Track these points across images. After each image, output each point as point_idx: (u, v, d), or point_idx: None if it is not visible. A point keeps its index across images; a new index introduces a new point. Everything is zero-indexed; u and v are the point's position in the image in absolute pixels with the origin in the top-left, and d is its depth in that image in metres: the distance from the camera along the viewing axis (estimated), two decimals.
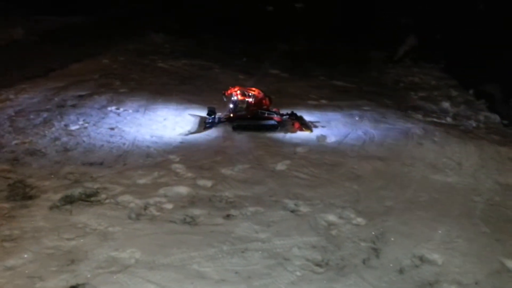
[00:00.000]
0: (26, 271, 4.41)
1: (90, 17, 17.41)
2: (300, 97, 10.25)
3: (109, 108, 8.96)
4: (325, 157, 7.22)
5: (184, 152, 7.28)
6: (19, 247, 4.75)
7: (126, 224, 5.25)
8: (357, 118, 8.92)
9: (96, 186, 6.03)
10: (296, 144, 7.67)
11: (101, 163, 6.71)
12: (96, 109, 8.87)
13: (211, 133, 7.91)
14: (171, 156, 7.07)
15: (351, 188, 6.33)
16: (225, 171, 6.67)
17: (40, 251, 4.72)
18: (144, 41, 15.04)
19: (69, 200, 5.65)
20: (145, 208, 5.61)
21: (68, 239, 4.91)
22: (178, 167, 6.70)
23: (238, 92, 8.64)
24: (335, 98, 10.25)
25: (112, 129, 8.00)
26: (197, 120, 8.54)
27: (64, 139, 7.45)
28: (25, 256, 4.61)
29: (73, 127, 7.93)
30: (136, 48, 14.24)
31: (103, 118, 8.46)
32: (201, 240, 5.07)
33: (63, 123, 8.07)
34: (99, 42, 14.19)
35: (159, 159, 6.95)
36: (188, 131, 8.01)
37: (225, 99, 8.67)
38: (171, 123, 8.32)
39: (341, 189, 6.28)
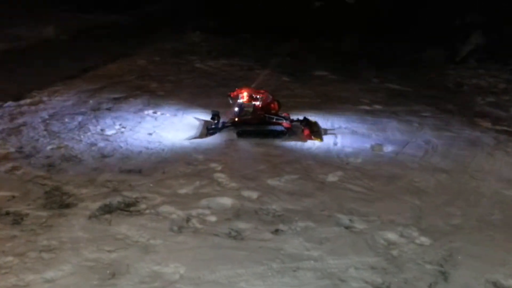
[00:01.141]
0: (66, 284, 4.58)
1: (125, 15, 18.01)
2: (350, 102, 10.21)
3: (145, 112, 9.19)
4: (381, 168, 7.15)
5: (226, 160, 7.40)
6: (58, 258, 4.93)
7: (168, 237, 5.37)
8: (416, 125, 8.82)
9: (135, 195, 6.20)
10: (348, 154, 7.66)
11: (140, 171, 6.89)
12: (132, 113, 9.13)
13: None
14: (213, 165, 7.19)
15: (413, 203, 6.23)
16: (272, 181, 6.71)
17: (79, 263, 4.89)
18: (181, 40, 15.40)
19: (107, 210, 5.83)
20: (188, 220, 5.72)
21: (108, 251, 5.06)
22: (221, 177, 6.80)
23: (245, 94, 8.61)
24: (390, 103, 10.16)
25: (150, 134, 8.21)
26: (201, 124, 8.63)
27: (101, 144, 7.70)
28: (65, 268, 4.79)
29: (110, 132, 8.19)
30: (173, 47, 14.61)
31: (140, 122, 8.68)
32: (248, 256, 5.11)
33: (99, 127, 8.34)
34: (135, 41, 14.68)
35: (200, 168, 7.08)
36: (191, 136, 8.07)
37: (231, 102, 8.68)
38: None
39: (401, 205, 6.18)
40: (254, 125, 8.49)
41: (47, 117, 8.68)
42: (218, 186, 6.54)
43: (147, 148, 7.71)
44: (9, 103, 9.28)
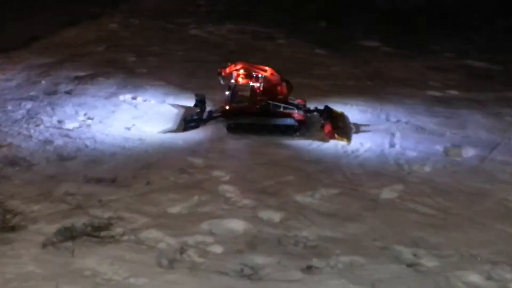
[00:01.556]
0: None
1: None
2: (413, 85, 10.18)
3: (121, 97, 9.23)
4: (460, 181, 7.11)
5: (236, 166, 7.43)
6: None
7: (155, 275, 5.37)
8: (509, 120, 8.78)
9: (107, 214, 6.26)
10: (410, 160, 7.64)
11: (114, 180, 6.94)
12: (103, 99, 9.14)
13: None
14: (217, 173, 7.22)
15: (504, 231, 6.20)
16: (301, 197, 6.72)
17: None
18: None
19: (69, 235, 5.87)
20: (182, 251, 5.74)
21: None
22: (229, 190, 6.83)
23: (241, 71, 8.59)
24: (471, 88, 10.09)
25: (127, 128, 8.26)
26: (181, 113, 8.75)
27: (59, 142, 7.72)
28: None
29: (71, 125, 8.21)
30: (158, 6, 14.72)
31: (113, 112, 8.72)
32: None
33: (55, 118, 8.37)
34: None
35: (199, 177, 7.11)
36: (164, 129, 8.23)
37: (222, 82, 8.69)
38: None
39: (489, 233, 6.13)
40: (253, 116, 8.53)
41: None
42: (225, 203, 6.54)
43: (124, 148, 7.71)
44: None
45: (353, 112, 9.18)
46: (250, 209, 6.37)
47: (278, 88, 8.70)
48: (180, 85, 10.05)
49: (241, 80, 8.61)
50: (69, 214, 6.16)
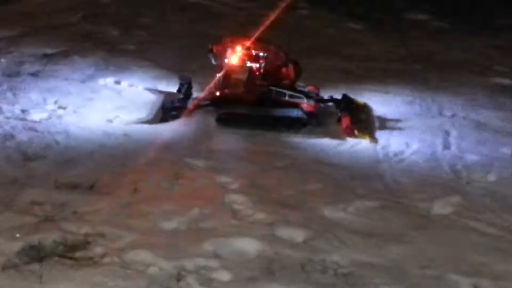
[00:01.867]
0: None
1: None
2: (474, 70, 10.19)
3: (101, 81, 9.31)
4: None
5: (246, 170, 7.47)
6: None
7: None
8: None
9: (84, 229, 6.23)
10: (470, 166, 7.66)
11: (92, 186, 6.97)
12: (78, 82, 9.19)
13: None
14: (223, 178, 7.25)
15: None
16: (330, 211, 6.74)
17: None
18: None
19: (36, 255, 5.84)
20: (179, 278, 5.72)
21: None
22: (237, 200, 6.85)
23: (237, 49, 8.64)
24: None
25: (109, 121, 8.34)
26: (159, 100, 8.94)
27: (22, 137, 7.77)
28: None
29: (37, 115, 8.26)
30: None
31: (92, 99, 8.77)
32: None
33: (18, 106, 8.41)
34: None
35: (201, 182, 7.15)
36: (139, 119, 8.42)
37: (214, 61, 8.78)
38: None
39: None
40: (249, 106, 8.59)
41: None
42: (233, 217, 6.57)
43: (105, 146, 7.76)
44: None
45: (396, 103, 9.18)
46: (266, 226, 6.40)
47: (283, 70, 8.72)
48: (175, 67, 10.06)
49: (235, 60, 8.62)
50: (36, 228, 6.17)
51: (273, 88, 8.64)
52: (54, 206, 6.60)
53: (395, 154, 7.96)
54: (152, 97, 9.22)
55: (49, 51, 10.35)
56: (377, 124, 8.75)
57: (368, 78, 9.76)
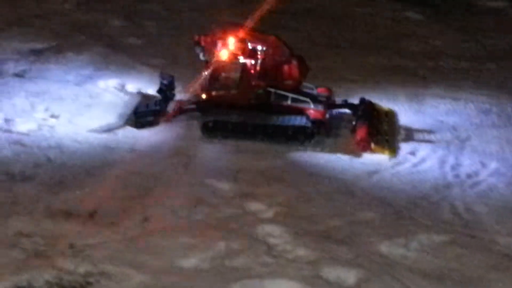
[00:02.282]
0: None
1: None
2: None
3: (101, 84, 9.47)
4: None
5: (282, 194, 7.46)
6: None
7: None
8: None
9: (83, 268, 6.24)
10: None
11: (92, 214, 7.01)
12: (73, 85, 9.30)
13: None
14: (254, 205, 7.27)
15: None
16: (388, 248, 6.69)
17: None
18: None
19: None
20: None
21: None
22: (273, 233, 6.85)
23: (230, 42, 8.74)
24: None
25: (112, 132, 8.46)
26: (132, 103, 9.04)
27: (6, 152, 7.87)
28: None
29: (24, 126, 8.39)
30: None
31: (89, 106, 8.90)
32: None
33: (1, 115, 8.56)
34: None
35: (227, 211, 7.16)
36: (103, 126, 8.48)
37: (201, 56, 8.93)
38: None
39: None
40: (243, 112, 8.69)
41: None
42: (268, 253, 6.55)
43: (107, 163, 7.87)
44: None
45: (468, 112, 9.13)
46: (308, 264, 6.36)
47: (285, 68, 8.76)
48: (191, 65, 10.04)
49: (224, 55, 8.65)
50: (25, 265, 6.19)
51: (272, 90, 8.70)
52: (46, 238, 6.63)
53: (468, 176, 7.90)
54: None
55: (37, 46, 10.47)
56: (402, 134, 8.83)
57: (433, 81, 9.69)
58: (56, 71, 9.65)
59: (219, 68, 8.67)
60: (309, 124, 8.47)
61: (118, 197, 7.34)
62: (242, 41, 8.56)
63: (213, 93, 8.59)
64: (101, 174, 7.74)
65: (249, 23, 8.94)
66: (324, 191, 7.64)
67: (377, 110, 8.92)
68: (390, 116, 8.97)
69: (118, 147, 8.28)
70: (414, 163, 8.23)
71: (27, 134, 8.28)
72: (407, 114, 9.26)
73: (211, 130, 8.34)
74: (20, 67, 9.65)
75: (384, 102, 9.22)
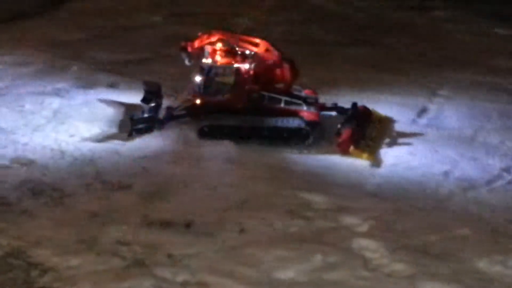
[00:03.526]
0: None
1: None
2: None
3: None
4: None
5: (378, 209, 7.48)
6: None
7: None
8: None
9: (181, 277, 6.33)
10: None
11: (189, 224, 7.10)
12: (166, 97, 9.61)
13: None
14: (349, 219, 7.28)
15: None
16: (486, 264, 6.59)
17: None
18: None
19: None
20: None
21: None
22: (369, 247, 6.85)
23: (218, 45, 8.80)
24: None
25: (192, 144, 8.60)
26: (121, 111, 9.16)
27: (103, 162, 8.07)
28: None
29: (120, 136, 8.68)
30: None
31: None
32: None
33: (96, 125, 8.87)
34: None
35: (322, 224, 7.18)
36: (102, 135, 8.56)
37: (187, 61, 9.02)
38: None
39: None
40: (237, 116, 8.76)
41: None
42: (365, 267, 6.54)
43: (201, 176, 7.98)
44: None
45: None
46: (405, 279, 6.33)
47: (277, 72, 8.79)
48: None
49: (220, 59, 8.69)
50: (125, 273, 6.29)
51: (266, 93, 8.73)
52: (145, 247, 6.72)
53: None
54: None
55: (128, 57, 10.75)
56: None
57: None
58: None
59: (213, 72, 8.80)
60: (304, 126, 8.58)
61: (213, 208, 7.40)
62: (231, 45, 8.74)
63: (207, 98, 8.70)
64: (196, 185, 7.82)
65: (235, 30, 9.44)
66: (419, 206, 7.62)
67: (369, 116, 9.08)
68: (384, 123, 9.13)
69: (213, 158, 8.36)
70: (509, 180, 8.14)
71: (123, 144, 8.45)
72: (498, 131, 9.24)
73: (206, 134, 8.52)
74: (112, 78, 9.74)
75: (477, 121, 9.15)
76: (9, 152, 8.36)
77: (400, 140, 9.00)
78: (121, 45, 11.01)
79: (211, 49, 8.57)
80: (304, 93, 8.93)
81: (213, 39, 8.64)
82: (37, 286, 6.21)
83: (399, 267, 6.59)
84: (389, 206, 7.60)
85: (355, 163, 8.45)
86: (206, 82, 8.63)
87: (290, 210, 7.41)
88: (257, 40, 8.65)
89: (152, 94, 8.90)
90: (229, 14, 12.53)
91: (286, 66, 8.71)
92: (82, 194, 7.60)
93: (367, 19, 12.29)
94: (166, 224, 7.12)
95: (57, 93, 9.39)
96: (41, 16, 11.96)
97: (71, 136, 8.67)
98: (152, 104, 8.80)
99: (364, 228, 7.17)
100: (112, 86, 9.71)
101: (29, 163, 8.10)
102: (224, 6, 12.94)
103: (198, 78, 8.66)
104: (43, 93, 9.50)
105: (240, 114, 8.54)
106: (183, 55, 8.78)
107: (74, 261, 6.49)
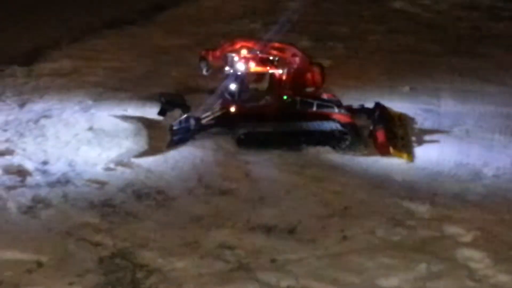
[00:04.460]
0: None
1: None
2: None
3: None
4: None
5: (482, 219, 7.39)
6: None
7: None
8: None
9: (285, 282, 6.35)
10: None
11: (292, 230, 7.13)
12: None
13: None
14: (453, 229, 7.24)
15: None
16: None
17: None
18: None
19: None
20: None
21: None
22: (474, 257, 6.79)
23: (246, 53, 8.68)
24: None
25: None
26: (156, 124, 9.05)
27: (208, 167, 8.20)
28: None
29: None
30: None
31: None
32: None
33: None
34: None
35: (425, 233, 7.16)
36: (138, 151, 8.44)
37: (205, 71, 9.00)
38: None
39: None
40: (272, 121, 8.69)
41: None
42: (470, 277, 6.48)
43: (301, 184, 7.99)
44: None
45: None
46: None
47: (308, 75, 8.76)
48: (381, 88, 10.09)
49: (253, 66, 8.56)
50: (229, 277, 6.35)
51: (298, 98, 8.68)
52: (248, 251, 6.78)
53: None
54: None
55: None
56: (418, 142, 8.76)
57: None
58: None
59: (245, 79, 8.70)
60: (339, 128, 8.51)
61: (316, 214, 7.41)
62: (260, 50, 8.64)
63: (243, 105, 8.60)
64: (298, 192, 7.86)
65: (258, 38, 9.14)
66: None
67: (390, 114, 9.03)
68: (403, 120, 9.07)
69: (315, 165, 8.41)
70: None
71: (222, 149, 8.60)
72: None
73: (246, 142, 8.43)
74: (211, 84, 9.84)
75: None
76: (113, 154, 8.43)
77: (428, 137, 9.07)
78: None
79: (238, 56, 8.51)
80: (326, 95, 9.01)
81: (237, 46, 8.58)
82: (144, 287, 6.30)
83: (505, 278, 6.51)
84: (493, 217, 7.48)
85: (458, 173, 8.35)
86: (241, 88, 8.60)
87: (392, 218, 7.37)
88: (284, 46, 8.69)
89: (171, 105, 8.96)
90: (325, 22, 12.44)
91: (316, 70, 8.74)
92: (186, 198, 7.67)
93: (465, 29, 12.13)
94: (269, 229, 7.15)
95: (158, 98, 9.42)
96: (145, 22, 12.10)
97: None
98: (188, 115, 8.77)
99: (468, 238, 7.09)
100: (212, 92, 9.76)
101: (132, 166, 8.21)
102: (321, 15, 12.88)
103: (233, 86, 8.59)
104: (144, 98, 9.57)
105: (274, 120, 8.56)
106: (202, 64, 8.78)
107: (179, 264, 6.58)
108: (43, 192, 7.79)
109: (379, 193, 7.88)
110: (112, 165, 8.27)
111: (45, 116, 9.51)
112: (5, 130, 9.15)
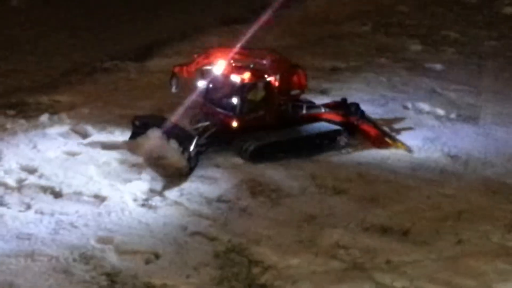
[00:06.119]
0: None
1: None
2: None
3: (408, 103, 9.71)
4: None
5: None
6: None
7: None
8: None
9: (400, 283, 6.36)
10: None
11: (406, 232, 7.10)
12: (377, 105, 9.65)
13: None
14: None
15: None
16: None
17: None
18: None
19: None
20: None
21: None
22: None
23: (232, 62, 8.55)
24: None
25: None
26: (167, 145, 8.49)
27: (323, 165, 8.27)
28: None
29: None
30: None
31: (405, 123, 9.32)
32: None
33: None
34: None
35: None
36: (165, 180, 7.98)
37: (174, 88, 8.77)
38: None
39: None
40: (269, 130, 8.61)
41: None
42: None
43: (414, 185, 7.99)
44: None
45: None
46: None
47: (294, 78, 8.61)
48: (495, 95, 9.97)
49: (247, 76, 8.36)
50: (344, 276, 6.35)
51: (290, 103, 8.62)
52: (363, 251, 6.77)
53: None
54: None
55: (337, 64, 10.78)
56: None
57: None
58: (356, 90, 9.76)
59: (245, 90, 8.47)
60: (338, 127, 8.54)
61: (429, 217, 7.38)
62: (243, 59, 8.56)
63: (245, 118, 8.44)
64: (413, 194, 7.87)
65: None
66: None
67: (361, 111, 8.96)
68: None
69: (426, 168, 8.38)
70: None
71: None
72: None
73: (259, 155, 8.29)
74: (324, 85, 9.85)
75: None
76: (230, 152, 8.55)
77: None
78: (330, 52, 11.05)
79: (229, 66, 8.40)
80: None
81: (211, 58, 8.44)
82: (259, 283, 6.36)
83: None
84: None
85: None
86: (242, 102, 8.38)
87: (508, 224, 7.28)
88: (263, 52, 8.56)
89: (143, 126, 8.61)
90: (435, 26, 12.36)
91: (301, 72, 8.64)
92: (299, 196, 7.73)
93: None
94: (383, 230, 7.14)
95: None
96: (252, 21, 12.18)
97: None
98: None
99: None
100: (323, 92, 9.80)
101: (247, 163, 8.31)
102: (432, 19, 12.81)
103: (233, 99, 8.38)
104: None
105: (272, 129, 8.48)
106: (173, 81, 8.65)
107: (294, 261, 6.62)
108: (159, 186, 7.88)
109: (494, 198, 7.80)
110: (227, 163, 8.36)
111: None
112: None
